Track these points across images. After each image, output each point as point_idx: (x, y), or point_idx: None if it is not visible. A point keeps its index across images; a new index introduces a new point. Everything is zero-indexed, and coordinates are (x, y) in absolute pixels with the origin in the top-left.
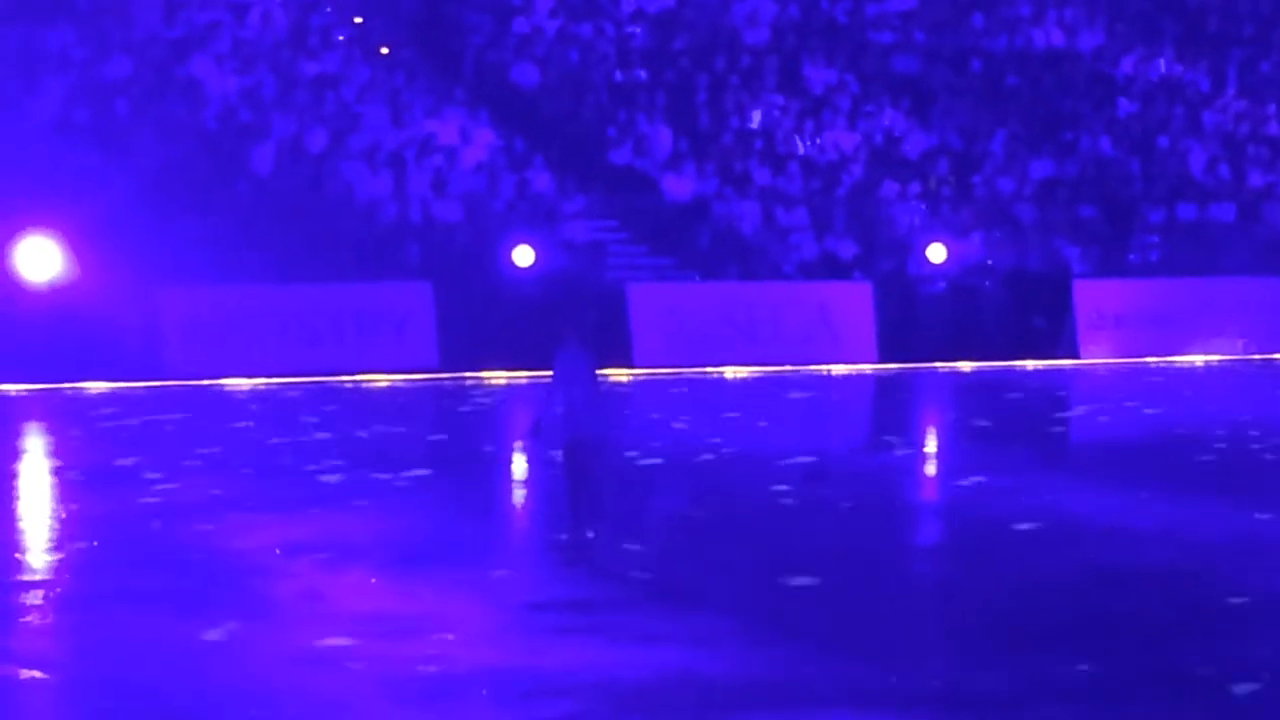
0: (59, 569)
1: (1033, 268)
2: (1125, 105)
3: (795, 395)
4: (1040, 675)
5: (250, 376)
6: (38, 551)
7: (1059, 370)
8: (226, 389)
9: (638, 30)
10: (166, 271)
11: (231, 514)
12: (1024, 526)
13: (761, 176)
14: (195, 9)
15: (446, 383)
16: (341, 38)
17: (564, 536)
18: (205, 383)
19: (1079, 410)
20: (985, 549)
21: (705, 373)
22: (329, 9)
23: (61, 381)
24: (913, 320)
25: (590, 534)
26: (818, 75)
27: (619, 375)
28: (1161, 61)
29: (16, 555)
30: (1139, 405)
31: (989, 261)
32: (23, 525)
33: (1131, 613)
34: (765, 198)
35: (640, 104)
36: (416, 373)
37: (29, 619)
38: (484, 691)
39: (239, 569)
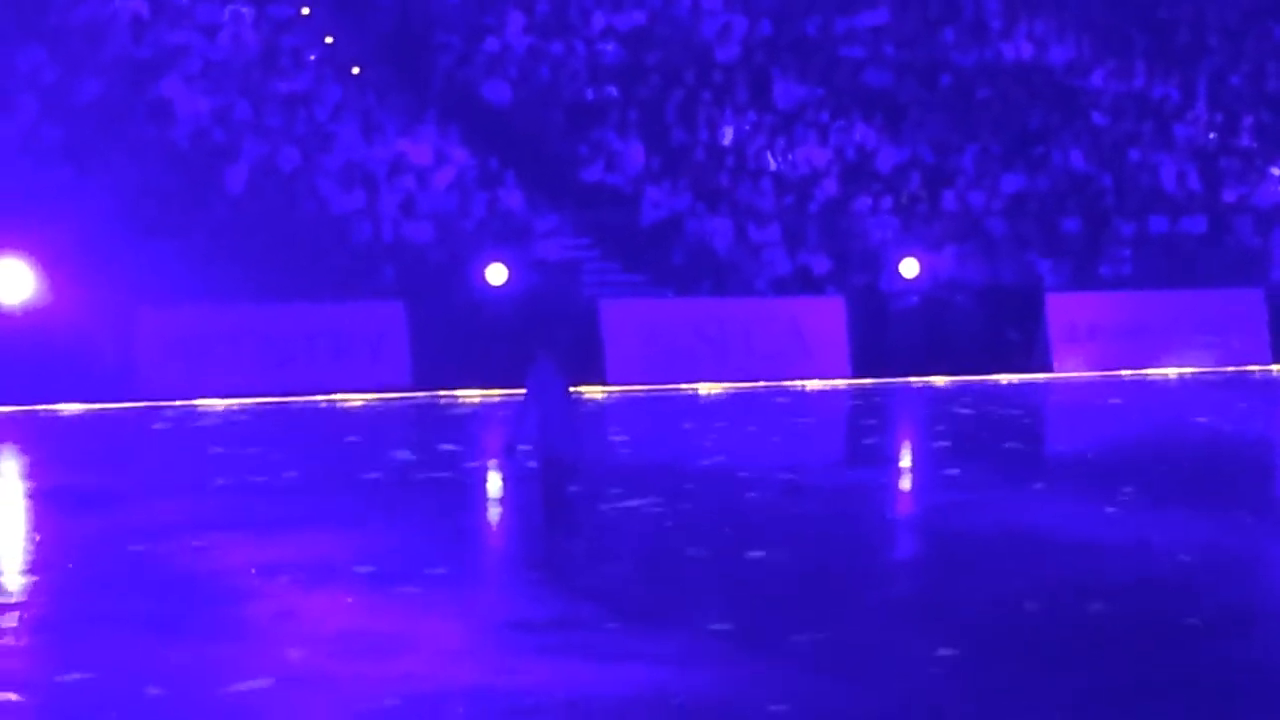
0: (34, 591)
1: (1005, 281)
2: (1096, 118)
3: (769, 411)
4: (1023, 690)
5: (224, 396)
6: (12, 574)
7: (1033, 383)
8: (200, 409)
9: (609, 47)
10: (140, 292)
11: (206, 534)
12: (999, 541)
13: (734, 193)
14: (164, 30)
15: (420, 401)
16: (313, 57)
17: (538, 554)
18: (179, 403)
19: (1052, 423)
20: (961, 564)
21: (679, 389)
22: (299, 29)
23: (35, 403)
24: (886, 334)
25: (567, 546)
26: (789, 91)
27: (593, 392)
28: (1132, 74)
29: None
30: (1112, 418)
31: (961, 276)
32: None
33: (1107, 625)
34: (738, 214)
35: (612, 121)
36: (390, 392)
37: (4, 641)
38: (460, 711)
39: (214, 590)
